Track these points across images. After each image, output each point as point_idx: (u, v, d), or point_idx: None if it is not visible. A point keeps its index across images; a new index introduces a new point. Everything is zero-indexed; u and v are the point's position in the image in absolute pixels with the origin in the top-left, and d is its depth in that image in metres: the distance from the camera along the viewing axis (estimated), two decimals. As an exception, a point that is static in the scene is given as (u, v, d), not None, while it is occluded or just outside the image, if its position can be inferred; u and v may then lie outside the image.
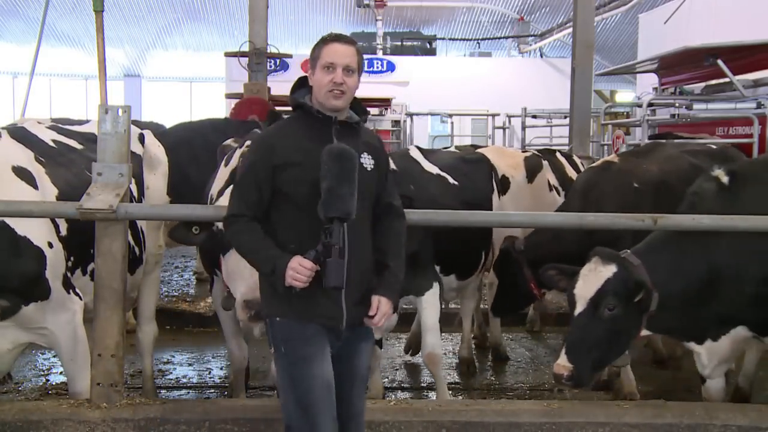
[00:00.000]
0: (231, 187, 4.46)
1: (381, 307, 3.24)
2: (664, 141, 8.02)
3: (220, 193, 4.52)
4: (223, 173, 4.70)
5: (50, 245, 4.01)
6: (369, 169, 3.28)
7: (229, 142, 5.30)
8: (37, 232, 3.95)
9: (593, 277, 4.06)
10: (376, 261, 3.34)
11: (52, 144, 4.54)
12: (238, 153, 4.67)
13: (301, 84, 3.38)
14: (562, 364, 3.99)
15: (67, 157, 4.51)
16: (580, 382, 4.05)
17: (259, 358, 6.36)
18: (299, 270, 3.09)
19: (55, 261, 4.03)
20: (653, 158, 5.85)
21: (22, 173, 4.09)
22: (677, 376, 6.22)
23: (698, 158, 5.80)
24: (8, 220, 3.87)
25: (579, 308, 4.07)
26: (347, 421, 3.32)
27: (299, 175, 3.19)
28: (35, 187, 4.10)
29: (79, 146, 4.67)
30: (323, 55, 3.22)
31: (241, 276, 3.92)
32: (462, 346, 6.54)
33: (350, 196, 3.06)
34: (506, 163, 6.97)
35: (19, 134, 4.36)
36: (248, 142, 4.70)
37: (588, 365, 4.03)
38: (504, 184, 6.76)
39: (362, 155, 3.26)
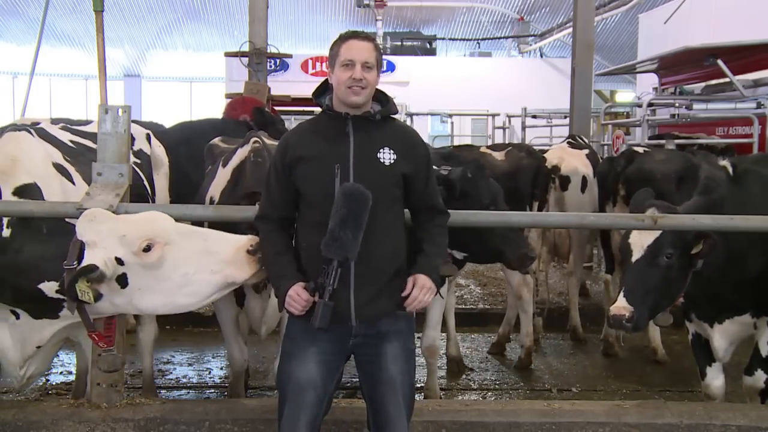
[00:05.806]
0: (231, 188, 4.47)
1: (417, 283, 3.17)
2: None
3: (223, 194, 4.50)
4: (223, 174, 4.67)
5: None
6: (387, 164, 3.20)
7: (215, 141, 5.26)
8: None
9: None
10: (414, 252, 3.30)
11: (71, 144, 4.58)
12: (240, 151, 4.59)
13: (325, 86, 3.35)
14: (622, 305, 3.95)
15: (86, 156, 4.53)
16: (638, 324, 4.00)
17: (259, 359, 6.36)
18: (295, 299, 3.11)
19: None
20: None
21: (61, 169, 4.14)
22: (677, 375, 6.23)
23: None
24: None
25: (636, 255, 4.08)
26: (381, 427, 3.27)
27: (309, 171, 3.19)
28: (73, 183, 4.15)
29: (94, 146, 4.69)
30: (342, 52, 3.18)
31: None
32: (449, 344, 6.48)
33: (352, 240, 2.98)
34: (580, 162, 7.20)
35: (43, 134, 4.38)
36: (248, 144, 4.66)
37: (645, 309, 4.02)
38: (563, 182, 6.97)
39: (381, 149, 3.20)
